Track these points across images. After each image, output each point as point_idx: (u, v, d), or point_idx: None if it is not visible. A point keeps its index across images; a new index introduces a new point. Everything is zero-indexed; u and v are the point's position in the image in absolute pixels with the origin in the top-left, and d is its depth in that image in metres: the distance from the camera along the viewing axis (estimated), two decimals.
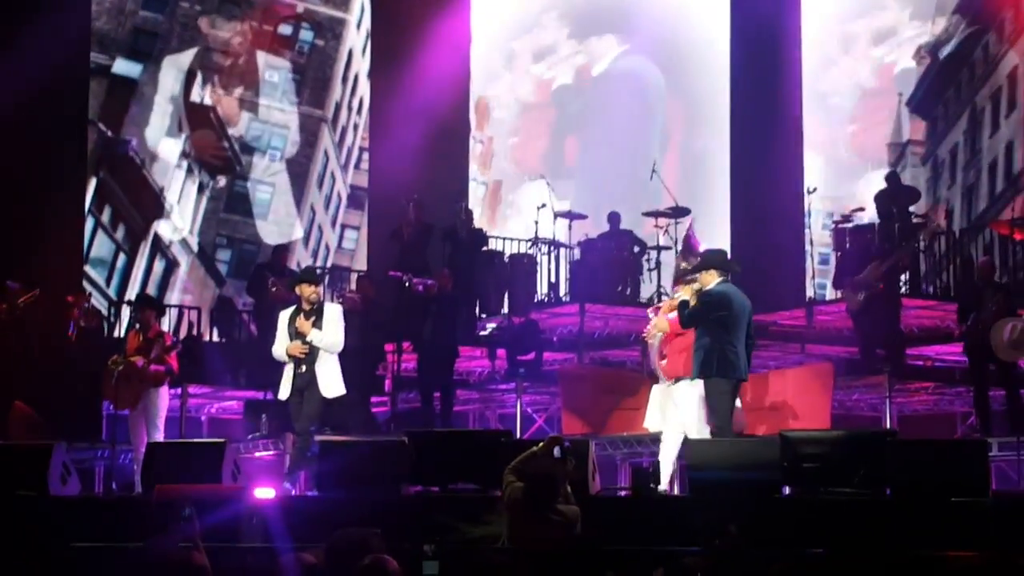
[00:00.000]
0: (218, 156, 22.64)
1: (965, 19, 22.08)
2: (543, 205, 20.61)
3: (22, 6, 19.48)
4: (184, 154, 22.29)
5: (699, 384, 12.90)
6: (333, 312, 14.10)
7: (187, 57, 22.43)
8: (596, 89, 24.18)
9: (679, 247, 18.84)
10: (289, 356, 13.75)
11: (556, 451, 10.46)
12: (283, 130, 23.21)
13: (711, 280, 12.83)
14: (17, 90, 18.71)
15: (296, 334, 13.75)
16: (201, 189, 22.39)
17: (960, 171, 21.93)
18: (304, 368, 13.73)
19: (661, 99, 23.88)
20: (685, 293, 13.10)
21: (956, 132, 22.01)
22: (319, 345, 13.75)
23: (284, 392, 13.88)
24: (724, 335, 12.57)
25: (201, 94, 22.50)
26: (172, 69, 22.28)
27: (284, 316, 14.00)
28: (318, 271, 21.19)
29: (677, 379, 13.19)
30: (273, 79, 23.17)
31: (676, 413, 13.15)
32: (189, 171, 22.28)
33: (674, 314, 13.36)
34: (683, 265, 14.78)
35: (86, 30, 21.24)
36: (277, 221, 22.95)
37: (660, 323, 13.50)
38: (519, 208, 24.01)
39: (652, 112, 23.94)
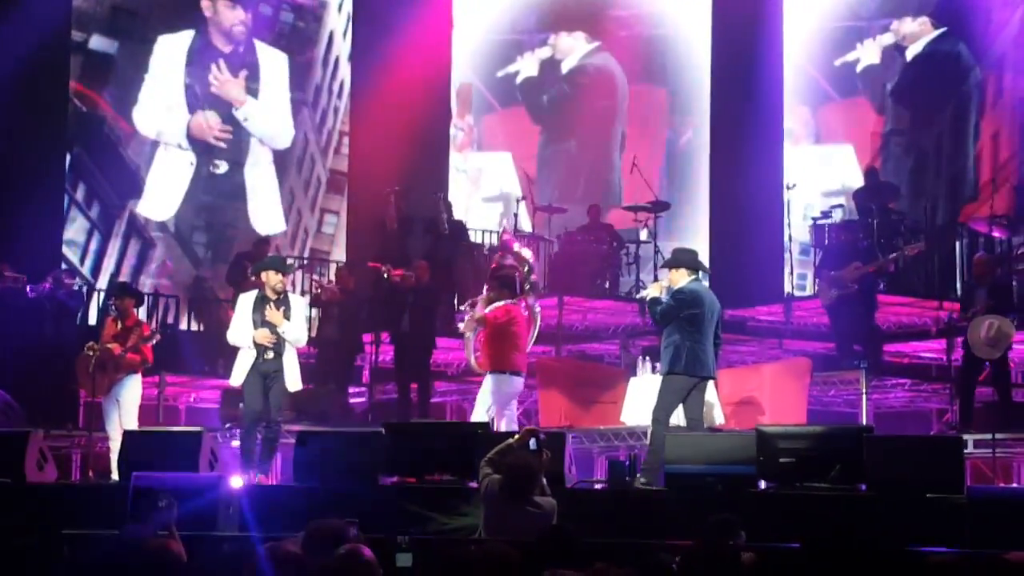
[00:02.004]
0: (220, 139, 22.61)
1: (940, 20, 22.16)
2: (523, 198, 20.63)
3: None
4: (187, 137, 22.32)
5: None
6: (300, 305, 14.11)
7: (184, 38, 22.38)
8: (563, 83, 24.13)
9: (657, 241, 18.99)
10: (255, 343, 13.72)
11: (532, 443, 10.48)
12: (277, 116, 23.23)
13: (681, 278, 12.94)
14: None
15: (263, 322, 13.71)
16: (198, 171, 22.36)
17: (945, 161, 21.99)
18: (271, 356, 13.68)
19: (624, 99, 23.86)
20: (654, 290, 13.18)
21: (941, 122, 22.09)
22: (287, 337, 13.74)
23: (239, 377, 13.76)
24: (694, 333, 12.69)
25: (203, 76, 22.49)
26: (167, 49, 22.22)
27: (246, 301, 13.87)
28: (296, 261, 21.20)
29: (491, 371, 13.99)
30: (269, 64, 23.16)
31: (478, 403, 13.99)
32: (180, 153, 22.27)
33: (490, 308, 14.06)
34: (501, 262, 15.11)
35: (67, 8, 21.23)
36: (264, 209, 22.93)
37: (477, 316, 14.22)
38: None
39: (617, 112, 23.91)
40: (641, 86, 23.85)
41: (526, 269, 14.93)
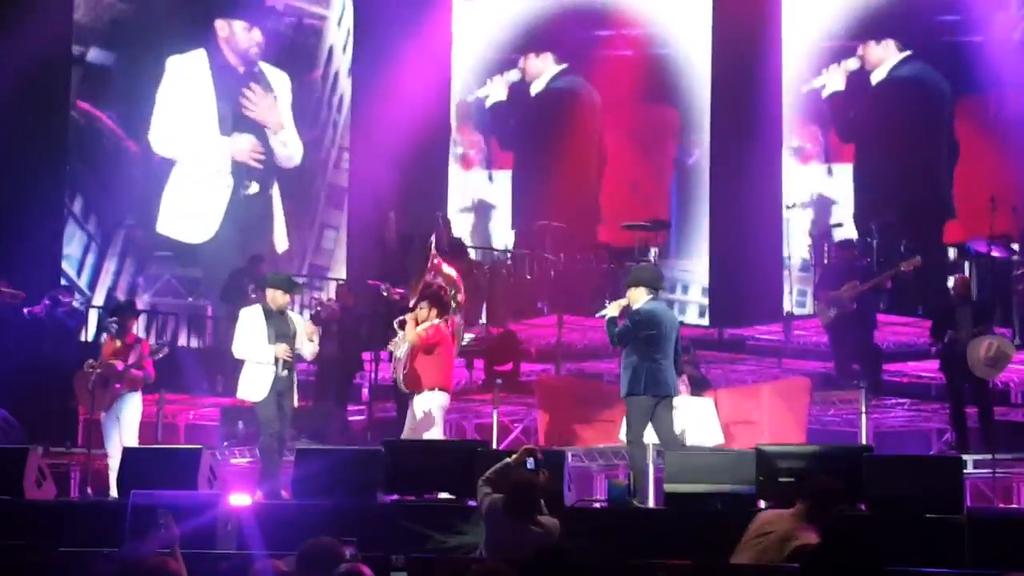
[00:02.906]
0: (258, 161, 22.65)
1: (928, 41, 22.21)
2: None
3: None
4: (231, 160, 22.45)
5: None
6: (300, 322, 14.20)
7: (197, 59, 22.34)
8: (533, 106, 24.10)
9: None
10: (276, 358, 13.67)
11: (530, 463, 10.46)
12: (293, 137, 23.29)
13: (640, 297, 12.90)
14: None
15: (277, 336, 13.68)
16: (235, 193, 22.39)
17: (921, 182, 22.01)
18: (286, 372, 13.69)
19: (599, 119, 23.83)
20: (613, 309, 13.12)
21: (915, 143, 22.15)
22: (306, 350, 13.85)
23: (259, 393, 13.65)
24: (653, 353, 12.66)
25: (231, 97, 22.52)
26: (182, 71, 22.21)
27: (254, 315, 13.85)
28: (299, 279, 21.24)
29: (418, 391, 14.08)
30: (278, 86, 23.17)
31: (412, 420, 14.08)
32: (215, 176, 22.31)
33: (423, 327, 14.18)
34: (432, 281, 15.21)
35: (68, 22, 21.26)
36: (280, 228, 22.99)
37: (410, 335, 14.21)
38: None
39: (592, 133, 23.88)
40: (651, 106, 23.76)
41: (452, 290, 15.07)
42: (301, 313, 18.54)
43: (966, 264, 19.11)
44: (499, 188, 24.01)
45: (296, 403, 14.05)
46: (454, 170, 24.21)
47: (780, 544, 9.28)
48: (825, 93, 22.61)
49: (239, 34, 22.67)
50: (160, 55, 22.21)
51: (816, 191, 22.37)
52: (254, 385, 13.70)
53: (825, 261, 19.25)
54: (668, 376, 12.74)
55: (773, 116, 22.50)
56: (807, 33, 22.86)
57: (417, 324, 14.28)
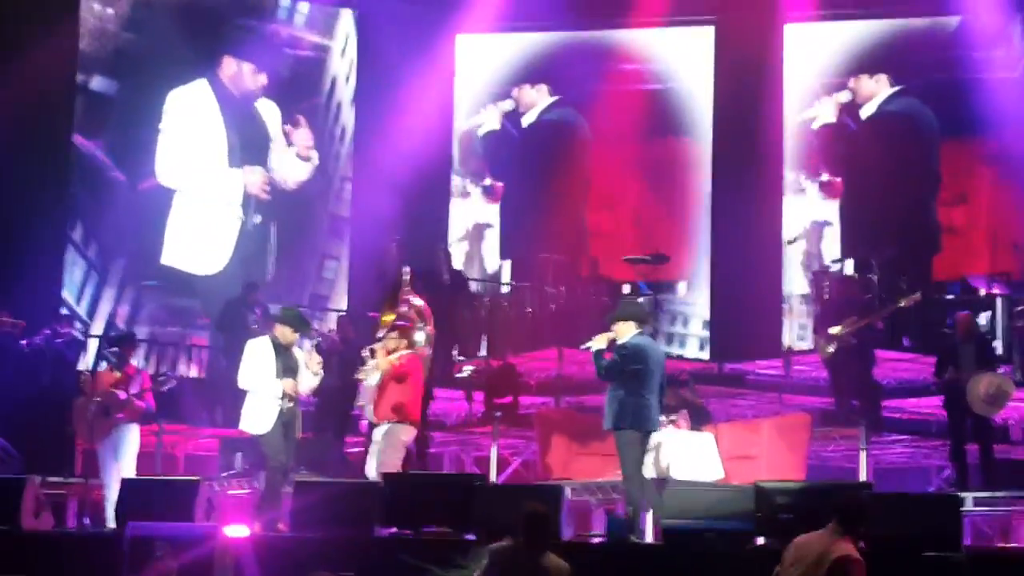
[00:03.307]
0: (266, 191, 22.71)
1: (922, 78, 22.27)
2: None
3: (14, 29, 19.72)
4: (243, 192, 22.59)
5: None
6: (302, 357, 14.19)
7: (199, 91, 22.38)
8: (526, 136, 24.13)
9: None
10: (284, 392, 13.69)
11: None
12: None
13: (627, 331, 12.92)
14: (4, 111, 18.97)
15: (285, 370, 13.70)
16: (243, 225, 22.47)
17: (910, 216, 22.06)
18: (292, 404, 13.73)
19: (588, 151, 23.87)
20: (599, 342, 13.08)
21: (904, 177, 22.23)
22: (305, 386, 13.89)
23: (266, 425, 13.67)
24: (638, 388, 12.71)
25: (241, 130, 22.64)
26: (185, 103, 22.25)
27: (265, 349, 13.87)
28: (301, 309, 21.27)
29: (386, 422, 13.98)
30: (271, 118, 23.22)
31: (374, 451, 14.03)
32: (225, 207, 22.40)
33: (395, 356, 14.13)
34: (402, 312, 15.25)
35: (74, 51, 21.31)
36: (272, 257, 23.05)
37: (382, 363, 14.20)
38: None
39: (581, 165, 23.92)
40: (657, 140, 23.68)
41: (421, 321, 15.09)
42: (302, 344, 18.54)
43: (998, 303, 18.96)
44: (494, 213, 24.04)
45: (300, 433, 14.04)
46: (456, 201, 24.22)
47: (818, 561, 9.27)
48: (815, 125, 22.64)
49: (246, 75, 22.68)
50: (162, 85, 22.17)
51: (811, 224, 22.37)
52: (259, 417, 13.73)
53: (825, 296, 19.23)
54: (652, 412, 12.82)
55: (775, 151, 22.53)
56: (809, 69, 22.88)
57: (388, 354, 14.25)
